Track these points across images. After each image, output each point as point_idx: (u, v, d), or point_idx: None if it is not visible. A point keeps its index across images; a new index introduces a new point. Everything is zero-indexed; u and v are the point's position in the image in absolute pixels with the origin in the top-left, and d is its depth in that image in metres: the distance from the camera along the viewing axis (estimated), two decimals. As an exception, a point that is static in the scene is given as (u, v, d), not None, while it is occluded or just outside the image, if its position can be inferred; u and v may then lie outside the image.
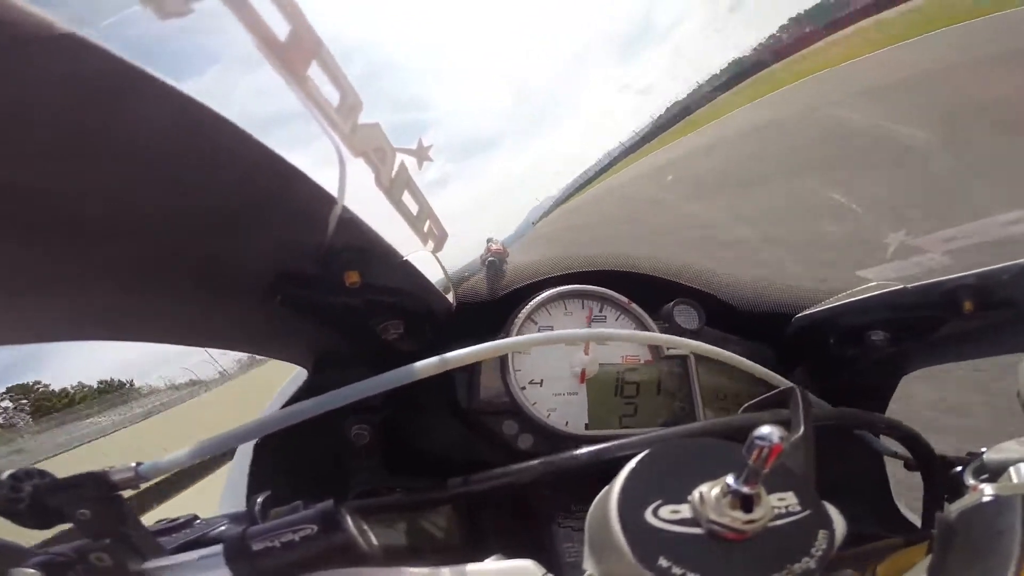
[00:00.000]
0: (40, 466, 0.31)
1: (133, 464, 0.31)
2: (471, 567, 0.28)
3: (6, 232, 0.26)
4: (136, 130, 0.23)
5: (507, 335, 0.59)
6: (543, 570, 0.28)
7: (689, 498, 0.24)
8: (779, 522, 0.24)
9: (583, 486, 0.35)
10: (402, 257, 0.42)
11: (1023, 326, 0.49)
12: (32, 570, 0.28)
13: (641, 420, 0.61)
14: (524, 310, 0.61)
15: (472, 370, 0.59)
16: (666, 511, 0.24)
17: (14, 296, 0.32)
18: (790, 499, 0.25)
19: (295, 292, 0.40)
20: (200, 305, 0.42)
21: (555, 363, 0.61)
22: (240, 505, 0.54)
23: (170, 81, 0.20)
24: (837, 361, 0.62)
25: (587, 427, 0.59)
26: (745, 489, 0.23)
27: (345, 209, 0.30)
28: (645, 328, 0.64)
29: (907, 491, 0.50)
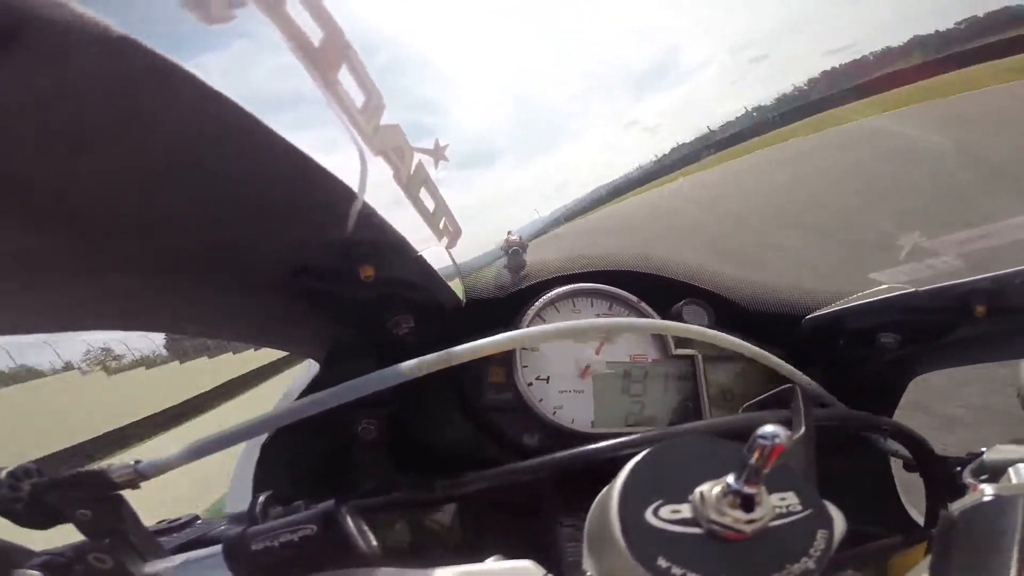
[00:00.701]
0: None
1: (132, 462, 0.31)
2: (471, 567, 0.28)
3: (36, 224, 0.27)
4: (164, 124, 0.23)
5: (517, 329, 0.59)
6: (543, 570, 0.28)
7: (690, 498, 0.24)
8: (779, 522, 0.24)
9: (586, 485, 0.35)
10: (416, 252, 0.43)
11: None
12: (33, 571, 0.28)
13: (648, 419, 0.61)
14: (533, 307, 0.61)
15: (479, 366, 0.59)
16: (666, 511, 0.24)
17: (40, 285, 0.32)
18: (791, 499, 0.25)
19: (311, 284, 0.41)
20: (217, 296, 0.43)
21: (563, 360, 0.61)
22: (247, 503, 0.55)
23: (200, 76, 0.21)
24: (847, 363, 0.62)
25: (593, 425, 0.59)
26: (746, 489, 0.23)
27: (365, 204, 0.31)
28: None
29: (920, 491, 0.50)
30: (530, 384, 0.59)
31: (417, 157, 0.27)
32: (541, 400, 0.58)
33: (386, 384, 0.35)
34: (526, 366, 0.60)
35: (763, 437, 0.22)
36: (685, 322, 0.66)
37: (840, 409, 0.46)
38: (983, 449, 0.39)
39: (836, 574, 0.31)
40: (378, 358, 0.52)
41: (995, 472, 0.34)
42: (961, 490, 0.31)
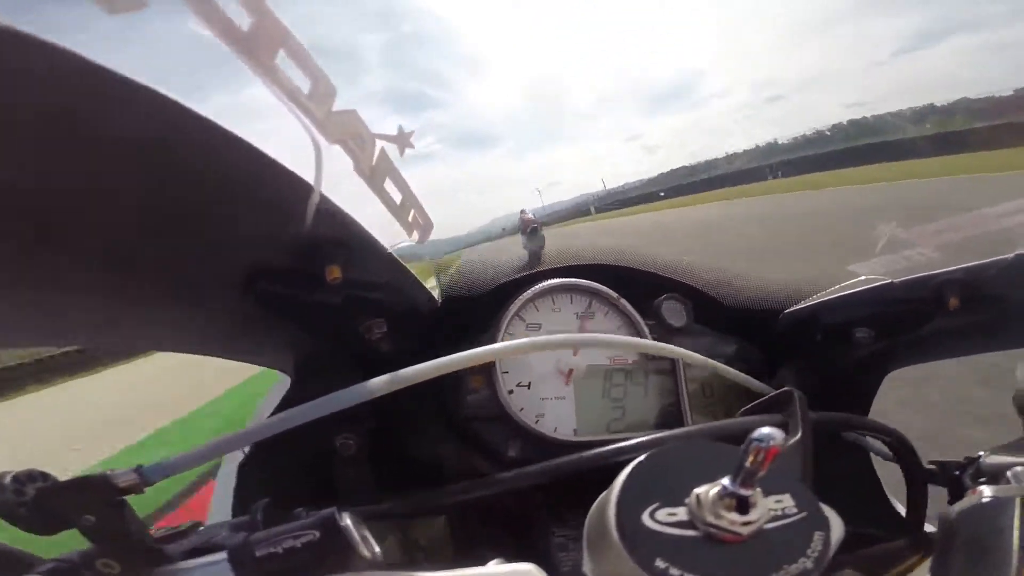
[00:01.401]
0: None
1: (133, 468, 0.31)
2: (473, 571, 0.28)
3: None
4: (90, 122, 0.22)
5: (495, 332, 0.58)
6: (544, 574, 0.28)
7: (686, 500, 0.24)
8: (776, 524, 0.24)
9: (577, 493, 0.35)
10: (386, 250, 0.41)
11: (1009, 323, 0.49)
12: None
13: (629, 423, 0.60)
14: (512, 307, 0.60)
15: (459, 374, 0.58)
16: (663, 514, 0.24)
17: None
18: (787, 501, 0.25)
19: (271, 289, 0.39)
20: (170, 307, 0.40)
21: (543, 364, 0.60)
22: (228, 514, 0.52)
23: (125, 71, 0.20)
24: (823, 358, 0.62)
25: (576, 433, 0.58)
26: (742, 491, 0.23)
27: (324, 199, 0.29)
28: (633, 325, 0.63)
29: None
30: (511, 391, 0.57)
31: (380, 145, 0.26)
32: (522, 409, 0.57)
33: (348, 405, 0.35)
34: (507, 372, 0.58)
35: (758, 440, 0.22)
36: (664, 317, 0.65)
37: (839, 414, 0.47)
38: (980, 453, 0.40)
39: (835, 574, 0.31)
40: (351, 367, 0.50)
41: (993, 475, 0.35)
42: (961, 493, 0.31)
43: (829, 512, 0.26)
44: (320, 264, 0.38)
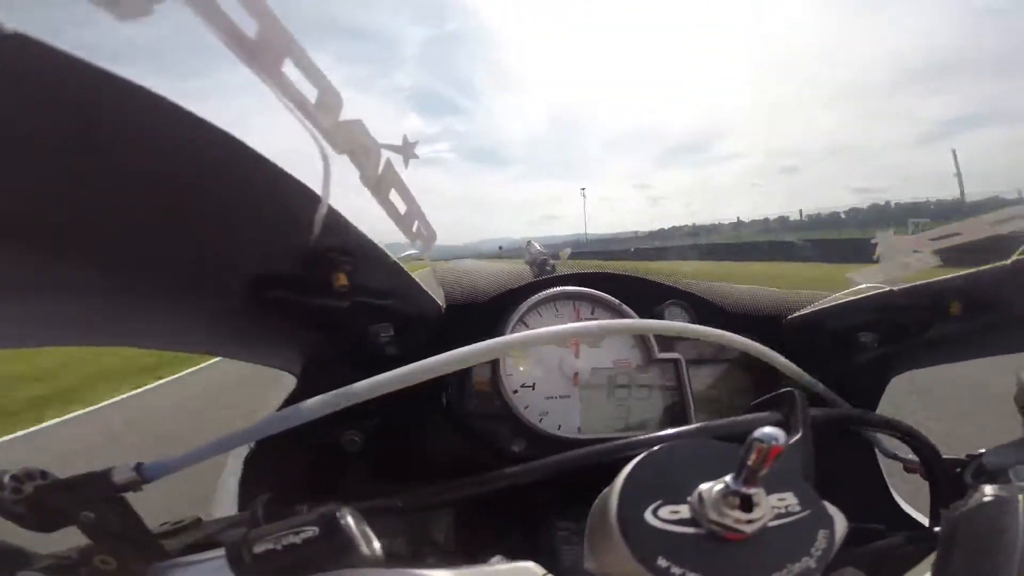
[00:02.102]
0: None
1: (132, 465, 0.31)
2: (473, 569, 0.28)
3: None
4: (106, 132, 0.22)
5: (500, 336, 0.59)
6: (544, 571, 0.28)
7: (689, 498, 0.24)
8: (779, 522, 0.24)
9: (580, 489, 0.35)
10: (391, 259, 0.42)
11: (1010, 328, 0.49)
12: (37, 573, 0.28)
13: (633, 423, 0.61)
14: (515, 313, 0.60)
15: (463, 374, 0.58)
16: (666, 511, 0.24)
17: None
18: (790, 499, 0.25)
19: (280, 295, 0.40)
20: (181, 310, 0.41)
21: (547, 366, 0.60)
22: (233, 508, 0.53)
23: (137, 80, 0.20)
24: (828, 362, 0.62)
25: (580, 431, 0.59)
26: (744, 489, 0.23)
27: (331, 209, 0.30)
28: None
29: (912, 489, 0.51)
30: (515, 391, 0.58)
31: (386, 155, 0.26)
32: (527, 407, 0.57)
33: (326, 411, 0.35)
34: (511, 374, 0.59)
35: (760, 439, 0.22)
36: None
37: (846, 409, 0.47)
38: (982, 450, 0.39)
39: (837, 573, 0.31)
40: (357, 369, 0.50)
41: (995, 473, 0.34)
42: (963, 491, 0.31)
43: (832, 510, 0.26)
44: (327, 271, 0.38)
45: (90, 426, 4.13)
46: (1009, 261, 0.41)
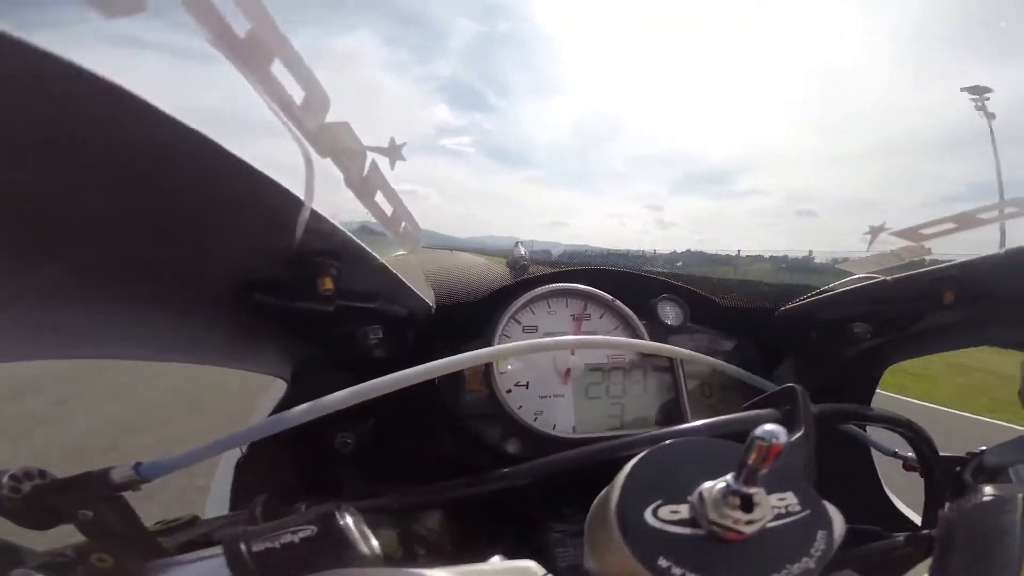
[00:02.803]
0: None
1: (131, 464, 0.31)
2: (473, 567, 0.28)
3: None
4: (87, 135, 0.21)
5: (491, 336, 0.58)
6: (544, 570, 0.27)
7: (689, 498, 0.24)
8: (779, 522, 0.24)
9: (576, 490, 0.34)
10: (378, 260, 0.41)
11: (1004, 317, 0.49)
12: (33, 571, 0.27)
13: (628, 420, 0.61)
14: (508, 311, 0.60)
15: (457, 374, 0.58)
16: (666, 511, 0.24)
17: None
18: (790, 499, 0.25)
19: (265, 300, 0.39)
20: (165, 318, 0.40)
21: (540, 364, 0.60)
22: (224, 509, 0.52)
23: (119, 81, 0.19)
24: (820, 354, 0.62)
25: (575, 430, 0.58)
26: (745, 489, 0.23)
27: (315, 213, 0.29)
28: (630, 326, 0.63)
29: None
30: (509, 391, 0.58)
31: (371, 157, 0.26)
32: (520, 407, 0.57)
33: (310, 417, 0.35)
34: (503, 372, 0.58)
35: (761, 438, 0.21)
36: (659, 317, 0.66)
37: (849, 405, 0.47)
38: (983, 448, 0.39)
39: (835, 574, 0.31)
40: (347, 372, 0.50)
41: (995, 472, 0.34)
42: (962, 489, 0.31)
43: (831, 510, 0.26)
44: (312, 275, 0.38)
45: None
46: (1003, 250, 0.41)
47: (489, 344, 0.57)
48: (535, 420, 0.57)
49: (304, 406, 0.35)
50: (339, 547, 0.26)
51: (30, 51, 0.16)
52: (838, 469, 0.42)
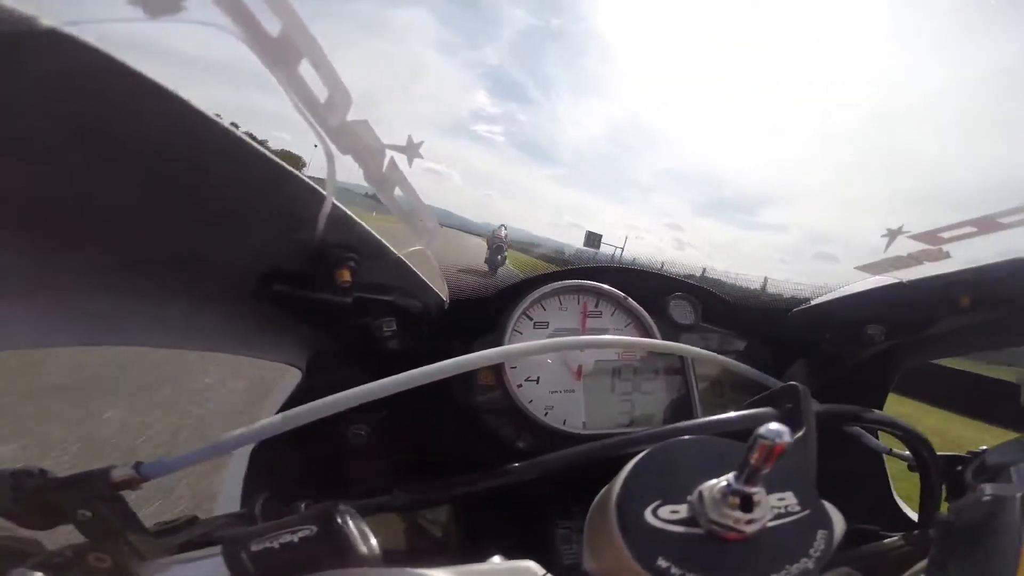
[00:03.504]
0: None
1: (132, 464, 0.31)
2: (472, 567, 0.28)
3: None
4: (121, 127, 0.22)
5: (502, 332, 0.59)
6: (543, 570, 0.28)
7: (689, 498, 0.24)
8: (778, 522, 0.24)
9: (581, 486, 0.34)
10: (395, 254, 0.42)
11: (1019, 322, 0.48)
12: (32, 570, 0.27)
13: (639, 417, 0.61)
14: (519, 306, 0.60)
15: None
16: (666, 511, 0.24)
17: None
18: (790, 499, 0.25)
19: (284, 291, 0.40)
20: (187, 307, 0.41)
21: (552, 360, 0.60)
22: (237, 504, 0.54)
23: (157, 79, 0.20)
24: (833, 356, 0.62)
25: (585, 426, 0.59)
26: (746, 489, 0.23)
27: (335, 206, 0.30)
28: (641, 324, 0.63)
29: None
30: (520, 385, 0.58)
31: (389, 155, 0.26)
32: (531, 401, 0.58)
33: (317, 416, 0.35)
34: (515, 367, 0.59)
35: (764, 437, 0.21)
36: (671, 315, 0.66)
37: (848, 406, 0.46)
38: (984, 448, 0.39)
39: (834, 573, 0.31)
40: (361, 364, 0.51)
41: (995, 472, 0.34)
42: (962, 489, 0.31)
43: (831, 510, 0.26)
44: (330, 267, 0.38)
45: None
46: (1020, 256, 0.40)
47: (501, 339, 0.58)
48: (546, 415, 0.58)
49: (316, 403, 0.36)
50: (338, 547, 0.26)
51: (80, 47, 0.17)
52: (846, 469, 0.42)
